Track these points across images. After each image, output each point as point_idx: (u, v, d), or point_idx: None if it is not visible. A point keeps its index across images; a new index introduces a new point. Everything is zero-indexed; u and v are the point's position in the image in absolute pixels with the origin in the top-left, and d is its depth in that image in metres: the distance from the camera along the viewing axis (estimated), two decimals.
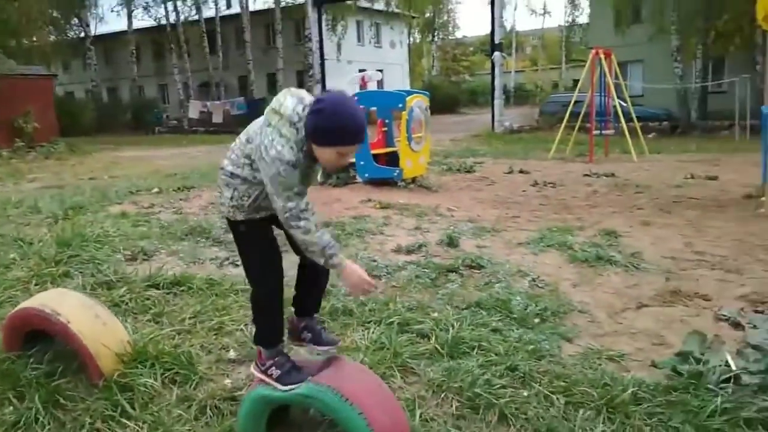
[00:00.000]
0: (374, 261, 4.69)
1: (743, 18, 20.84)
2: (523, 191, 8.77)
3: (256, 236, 2.36)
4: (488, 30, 25.13)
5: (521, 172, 10.75)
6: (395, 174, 8.38)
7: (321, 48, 27.11)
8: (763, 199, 6.75)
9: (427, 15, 49.32)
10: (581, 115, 14.35)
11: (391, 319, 3.49)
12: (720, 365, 2.96)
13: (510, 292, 4.00)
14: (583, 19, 43.20)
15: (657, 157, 13.31)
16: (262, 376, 2.43)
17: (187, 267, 4.56)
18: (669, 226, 6.10)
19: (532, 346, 3.21)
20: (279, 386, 2.37)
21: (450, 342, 3.23)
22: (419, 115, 8.42)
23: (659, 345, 3.34)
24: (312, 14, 27.18)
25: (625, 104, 14.63)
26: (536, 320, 3.60)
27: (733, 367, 2.94)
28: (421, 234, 5.62)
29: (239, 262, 4.74)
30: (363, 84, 9.04)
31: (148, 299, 3.75)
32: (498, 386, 2.81)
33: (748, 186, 8.00)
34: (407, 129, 8.12)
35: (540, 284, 4.26)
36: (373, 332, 3.36)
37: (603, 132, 13.92)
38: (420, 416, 2.63)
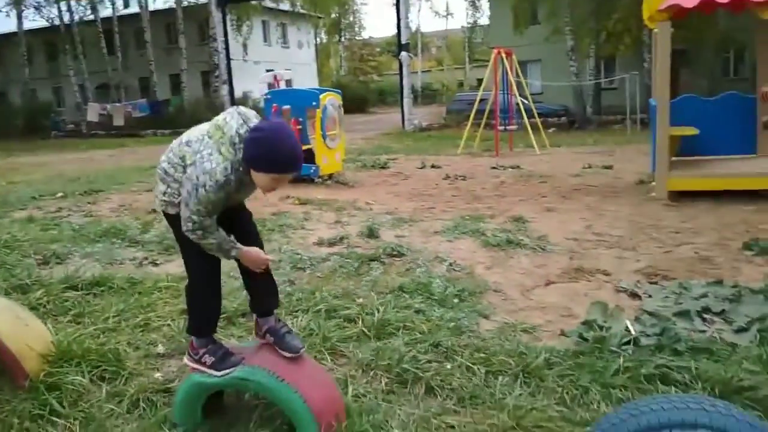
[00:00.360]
0: (298, 254, 4.77)
1: (631, 19, 22.33)
2: (436, 184, 9.09)
3: None
4: (394, 31, 25.60)
5: (433, 167, 11.10)
6: (312, 171, 8.45)
7: (227, 48, 26.58)
8: (653, 184, 7.36)
9: (333, 16, 49.41)
10: (486, 113, 14.93)
11: (318, 307, 3.60)
12: (621, 331, 3.29)
13: (430, 276, 4.21)
14: (484, 20, 44.64)
15: (557, 150, 14.06)
16: (196, 365, 2.47)
17: (104, 268, 4.47)
18: (571, 211, 6.55)
19: (453, 324, 3.42)
20: (214, 372, 2.41)
21: (376, 324, 3.38)
22: (333, 113, 8.54)
23: (567, 316, 3.64)
24: (216, 14, 26.61)
25: (526, 101, 15.34)
26: (455, 300, 3.82)
27: (632, 332, 3.26)
28: (342, 227, 5.76)
29: (159, 262, 4.75)
30: (275, 83, 9.02)
31: (66, 301, 3.67)
32: (423, 361, 2.98)
33: (639, 173, 8.69)
34: (322, 126, 8.22)
35: (457, 268, 4.50)
36: (301, 320, 3.46)
37: (507, 128, 14.56)
38: (352, 392, 2.75)
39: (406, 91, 24.00)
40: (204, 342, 2.48)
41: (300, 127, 9.07)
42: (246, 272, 2.50)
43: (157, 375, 2.93)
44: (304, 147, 9.17)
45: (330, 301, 3.69)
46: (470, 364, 2.97)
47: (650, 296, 3.86)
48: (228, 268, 4.33)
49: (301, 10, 39.30)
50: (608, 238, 5.32)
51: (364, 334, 3.32)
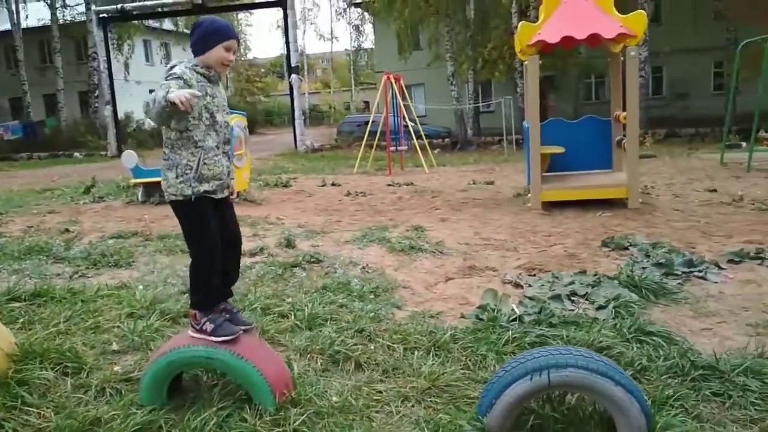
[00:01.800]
0: None
1: (504, 48, 24.29)
2: (340, 200, 9.67)
3: (204, 207, 2.71)
4: (278, 52, 25.92)
5: (333, 185, 11.68)
6: None
7: (110, 67, 25.80)
8: (528, 196, 8.36)
9: None
10: (378, 134, 15.76)
11: (253, 306, 4.06)
12: (508, 312, 4.00)
13: (347, 277, 4.78)
14: (368, 44, 45.90)
15: (444, 169, 15.09)
16: (198, 334, 2.80)
17: (36, 285, 4.63)
18: (461, 221, 7.37)
19: (372, 314, 3.99)
20: (213, 338, 2.77)
21: (307, 318, 3.88)
22: (239, 134, 8.90)
23: (465, 304, 4.32)
24: (97, 33, 25.80)
25: (414, 124, 16.34)
26: (371, 296, 4.41)
27: (517, 312, 3.99)
28: (260, 239, 6.18)
29: (89, 275, 4.97)
30: None
31: (13, 311, 3.86)
32: (351, 344, 3.52)
33: (516, 188, 9.76)
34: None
35: (369, 270, 5.09)
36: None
37: (398, 148, 15.46)
38: (295, 371, 3.25)
39: (298, 113, 24.40)
40: (207, 313, 2.80)
41: None
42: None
43: (117, 368, 3.24)
44: None
45: (263, 301, 4.15)
46: (390, 344, 3.54)
47: (530, 285, 4.64)
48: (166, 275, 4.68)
49: (185, 30, 38.69)
50: (494, 242, 6.14)
51: (297, 326, 3.82)
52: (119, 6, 23.72)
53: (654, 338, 3.43)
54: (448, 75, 25.63)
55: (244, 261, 5.32)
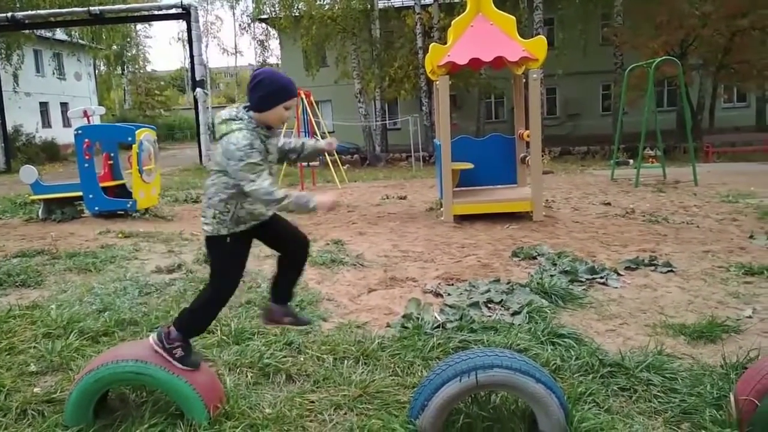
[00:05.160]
0: (141, 281, 5.01)
1: (410, 67, 24.98)
2: None
3: (237, 248, 2.78)
4: (179, 65, 25.26)
5: None
6: (129, 205, 8.45)
7: None
8: (441, 210, 8.66)
9: (115, 47, 46.84)
10: None
11: None
12: (431, 319, 4.18)
13: None
14: (273, 59, 45.47)
15: (355, 184, 15.28)
16: (163, 353, 2.79)
17: None
18: (379, 234, 7.53)
19: (300, 327, 4.04)
20: (178, 364, 2.79)
21: (234, 332, 3.88)
22: (149, 148, 8.65)
23: (389, 314, 4.45)
24: None
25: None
26: (297, 309, 4.40)
27: (439, 320, 4.17)
28: (176, 255, 6.04)
29: None
30: (86, 118, 8.85)
31: None
32: (281, 357, 3.56)
33: (428, 202, 10.07)
34: (139, 161, 8.30)
35: None
36: None
37: (310, 164, 15.47)
38: (227, 384, 3.25)
39: (203, 128, 23.79)
40: (182, 339, 2.81)
41: (111, 162, 9.02)
42: (284, 259, 3.03)
43: (36, 389, 3.12)
44: (118, 182, 9.11)
45: None
46: (319, 355, 3.61)
47: (449, 294, 4.85)
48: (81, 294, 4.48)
49: (80, 41, 36.83)
50: (412, 254, 6.34)
51: (224, 341, 3.80)
52: (9, 14, 22.28)
53: (565, 340, 3.70)
54: (355, 92, 25.95)
55: (162, 278, 5.21)
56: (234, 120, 2.64)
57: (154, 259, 5.95)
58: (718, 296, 4.63)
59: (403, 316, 4.28)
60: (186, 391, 2.81)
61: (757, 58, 20.90)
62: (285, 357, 3.58)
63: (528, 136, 8.35)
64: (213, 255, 2.86)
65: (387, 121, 26.94)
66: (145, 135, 8.56)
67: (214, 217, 2.73)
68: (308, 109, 15.12)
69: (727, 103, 29.32)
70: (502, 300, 4.58)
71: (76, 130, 8.17)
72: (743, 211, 8.37)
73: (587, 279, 5.14)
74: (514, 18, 8.43)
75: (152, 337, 2.86)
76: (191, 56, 24.28)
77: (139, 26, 46.17)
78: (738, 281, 4.97)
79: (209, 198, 2.75)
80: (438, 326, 4.04)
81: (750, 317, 4.15)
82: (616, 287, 4.95)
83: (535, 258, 5.92)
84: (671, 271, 5.34)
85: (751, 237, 6.62)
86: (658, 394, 3.08)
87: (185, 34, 25.82)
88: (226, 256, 2.81)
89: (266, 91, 2.65)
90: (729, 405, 2.81)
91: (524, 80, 9.01)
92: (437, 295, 4.86)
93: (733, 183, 11.83)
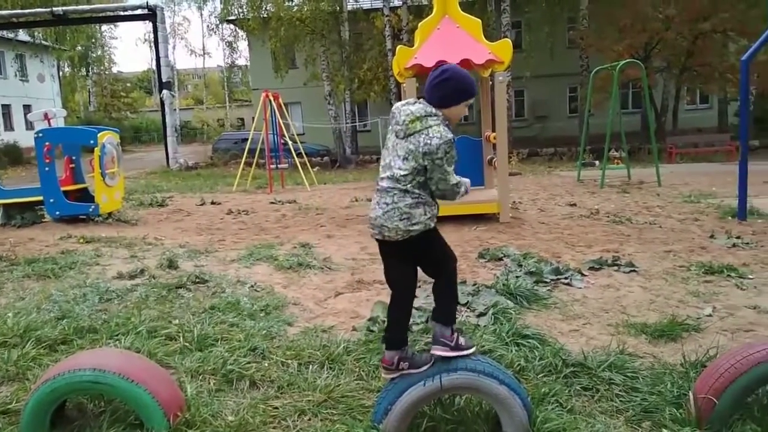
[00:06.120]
0: (101, 287, 4.91)
1: (379, 69, 25.00)
2: (221, 219, 9.47)
3: (435, 236, 2.81)
4: (145, 67, 24.96)
5: (213, 203, 11.39)
6: (91, 209, 8.28)
7: None
8: None
9: (79, 48, 45.91)
10: (257, 152, 15.60)
11: (138, 329, 3.91)
12: None
13: (236, 296, 4.73)
14: (242, 61, 45.06)
15: (325, 187, 15.22)
16: (459, 353, 2.74)
17: None
18: (347, 237, 7.50)
19: (264, 332, 4.00)
20: (467, 351, 2.76)
21: (196, 338, 3.81)
22: (112, 151, 8.48)
23: (355, 317, 4.43)
24: None
25: (294, 142, 16.37)
26: (262, 314, 4.40)
27: None
28: (139, 261, 5.93)
29: None
30: (46, 120, 8.62)
31: None
32: (244, 363, 3.51)
33: None
34: (101, 165, 8.13)
35: (258, 289, 5.07)
36: (124, 342, 3.74)
37: (279, 166, 15.39)
38: (188, 392, 3.19)
39: (170, 130, 23.55)
40: (455, 329, 2.82)
41: (73, 165, 8.83)
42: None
43: None
44: (80, 186, 8.92)
45: (148, 324, 4.01)
46: (284, 360, 3.58)
47: (416, 296, 4.84)
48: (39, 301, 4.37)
49: (44, 42, 36.03)
50: (379, 257, 6.30)
51: (186, 347, 3.73)
52: None
53: (530, 341, 3.73)
54: (325, 94, 25.86)
55: (124, 284, 5.11)
56: (430, 116, 2.64)
57: (116, 264, 5.83)
58: (678, 295, 4.71)
59: (369, 320, 4.26)
60: (145, 400, 2.75)
61: (718, 60, 21.42)
62: (249, 363, 3.53)
63: (495, 138, 8.42)
64: (430, 246, 2.84)
65: (357, 123, 26.92)
66: (108, 138, 8.39)
67: (424, 214, 2.70)
68: (277, 111, 15.03)
69: (690, 105, 30.01)
70: (467, 301, 4.59)
71: (37, 133, 7.99)
72: (704, 211, 8.55)
73: (552, 280, 5.18)
74: (480, 21, 8.49)
75: (436, 350, 2.79)
76: (157, 58, 24.06)
77: (104, 27, 45.32)
78: (698, 280, 5.07)
79: (414, 198, 2.68)
80: None
81: (710, 316, 4.23)
82: (580, 287, 5.01)
83: (501, 259, 5.96)
84: (634, 271, 5.43)
85: (711, 237, 6.77)
86: (620, 393, 3.12)
87: (152, 35, 25.39)
88: (426, 244, 2.80)
89: (454, 88, 2.68)
90: (688, 403, 2.86)
91: (491, 83, 9.07)
92: None
93: (695, 183, 12.11)
